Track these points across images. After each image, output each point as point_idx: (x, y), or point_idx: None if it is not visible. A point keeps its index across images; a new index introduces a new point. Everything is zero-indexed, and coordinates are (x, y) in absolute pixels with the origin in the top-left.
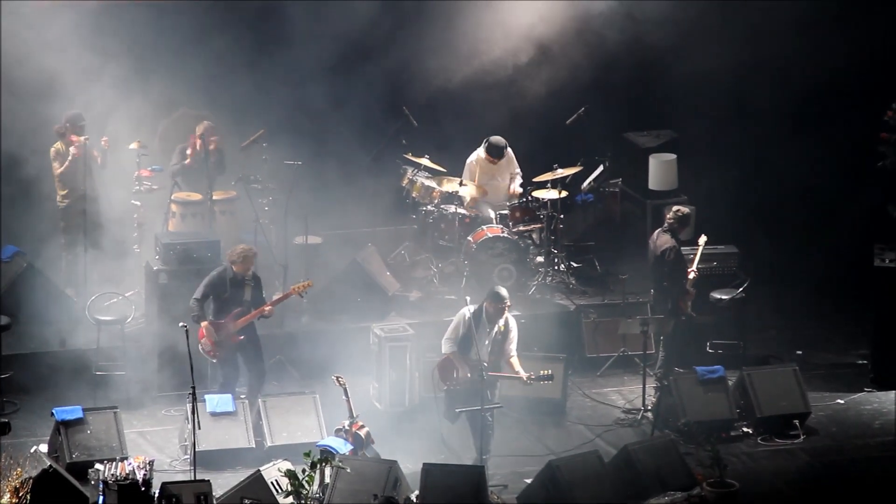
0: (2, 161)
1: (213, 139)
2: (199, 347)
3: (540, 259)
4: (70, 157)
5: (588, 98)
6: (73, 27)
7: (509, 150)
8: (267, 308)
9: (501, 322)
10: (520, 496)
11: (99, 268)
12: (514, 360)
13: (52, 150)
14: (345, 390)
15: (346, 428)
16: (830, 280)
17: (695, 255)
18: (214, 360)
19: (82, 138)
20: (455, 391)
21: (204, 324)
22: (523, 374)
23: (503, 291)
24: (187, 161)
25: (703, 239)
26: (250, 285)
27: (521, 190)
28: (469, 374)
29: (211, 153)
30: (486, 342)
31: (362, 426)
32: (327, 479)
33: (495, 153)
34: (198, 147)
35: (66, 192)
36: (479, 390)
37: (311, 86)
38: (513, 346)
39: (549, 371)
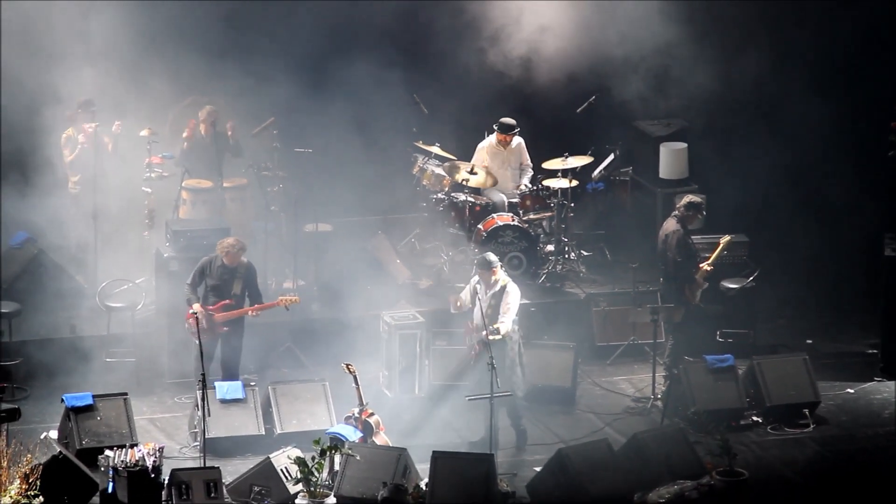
0: (2, 149)
1: (230, 124)
2: (186, 326)
3: (550, 247)
4: (80, 145)
5: (599, 86)
6: (85, 15)
7: (521, 141)
8: (252, 311)
9: (497, 287)
10: (529, 484)
11: (109, 255)
12: (500, 324)
13: (64, 136)
14: (354, 378)
15: (356, 415)
16: (841, 269)
17: (714, 250)
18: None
19: (91, 125)
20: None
21: (197, 306)
22: (484, 333)
23: (490, 256)
24: (185, 145)
25: (725, 238)
26: (241, 279)
27: (527, 186)
28: (471, 341)
29: (230, 138)
30: (485, 306)
31: (372, 414)
32: (337, 467)
33: (506, 129)
34: (203, 132)
35: (77, 178)
36: (489, 375)
37: (321, 73)
38: (504, 309)
39: (497, 326)
